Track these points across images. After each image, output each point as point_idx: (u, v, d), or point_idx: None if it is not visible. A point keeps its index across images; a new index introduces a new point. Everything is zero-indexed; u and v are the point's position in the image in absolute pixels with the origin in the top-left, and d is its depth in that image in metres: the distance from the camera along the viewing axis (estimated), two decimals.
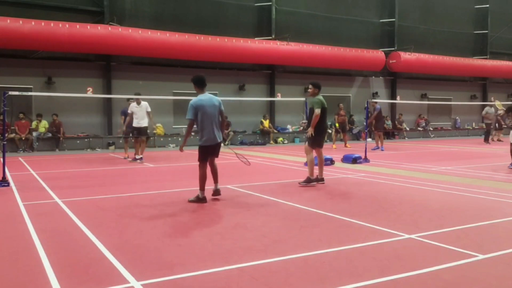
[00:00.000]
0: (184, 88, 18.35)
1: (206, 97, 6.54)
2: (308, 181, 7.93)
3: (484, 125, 20.32)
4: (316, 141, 8.07)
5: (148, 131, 12.77)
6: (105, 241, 4.47)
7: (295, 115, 21.19)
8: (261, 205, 6.31)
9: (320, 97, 8.08)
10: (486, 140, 19.00)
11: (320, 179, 8.11)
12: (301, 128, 21.09)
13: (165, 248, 4.28)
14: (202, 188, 6.50)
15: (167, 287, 3.35)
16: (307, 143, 8.17)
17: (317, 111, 7.90)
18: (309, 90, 8.32)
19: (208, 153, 6.60)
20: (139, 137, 12.10)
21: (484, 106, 21.47)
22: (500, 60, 26.48)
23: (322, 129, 8.11)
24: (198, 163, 6.62)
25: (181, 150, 6.92)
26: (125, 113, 12.73)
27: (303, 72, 21.37)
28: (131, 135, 12.47)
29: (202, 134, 6.50)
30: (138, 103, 11.92)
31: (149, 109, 12.05)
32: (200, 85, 6.60)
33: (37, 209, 6.11)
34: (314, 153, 8.17)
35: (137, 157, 12.12)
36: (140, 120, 11.94)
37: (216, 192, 6.74)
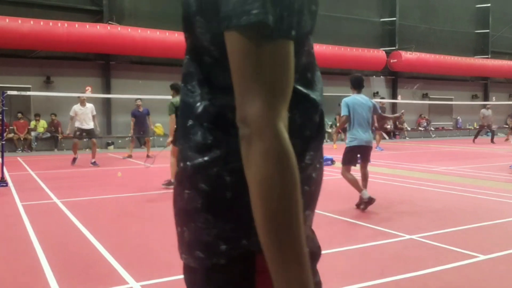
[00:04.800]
0: None
1: (360, 97, 6.22)
2: None
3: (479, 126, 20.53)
4: None
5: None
6: (104, 242, 4.44)
7: None
8: None
9: (172, 100, 7.54)
10: (484, 139, 19.50)
11: None
12: None
13: (164, 249, 4.24)
14: (360, 189, 5.99)
15: (166, 287, 3.33)
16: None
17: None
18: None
19: (353, 155, 6.15)
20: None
21: (485, 106, 21.46)
22: (502, 60, 26.46)
23: None
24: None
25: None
26: (134, 115, 13.62)
27: None
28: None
29: (350, 134, 6.15)
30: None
31: (94, 113, 12.02)
32: (355, 86, 6.27)
33: (36, 209, 6.08)
34: None
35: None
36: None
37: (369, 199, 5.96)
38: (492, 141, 19.17)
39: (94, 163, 11.49)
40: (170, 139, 8.25)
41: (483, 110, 19.59)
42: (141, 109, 13.57)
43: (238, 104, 0.80)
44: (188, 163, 0.96)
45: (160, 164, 11.79)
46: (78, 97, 12.12)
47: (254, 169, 0.77)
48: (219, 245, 0.91)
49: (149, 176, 9.63)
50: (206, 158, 0.93)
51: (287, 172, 0.76)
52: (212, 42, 0.91)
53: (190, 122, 0.97)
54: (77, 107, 11.69)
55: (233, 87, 0.82)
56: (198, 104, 0.96)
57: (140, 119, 13.48)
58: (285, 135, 0.78)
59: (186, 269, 1.00)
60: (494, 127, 19.78)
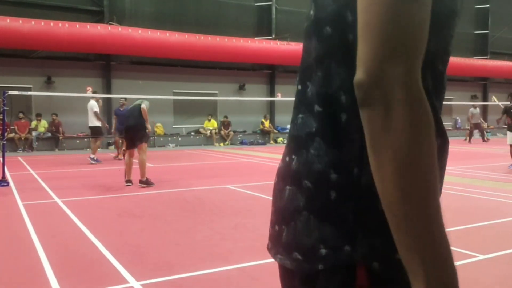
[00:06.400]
0: (184, 88, 18.41)
1: None
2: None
3: (469, 126, 20.63)
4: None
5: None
6: (105, 241, 4.46)
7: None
8: (261, 205, 6.30)
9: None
10: (478, 139, 19.99)
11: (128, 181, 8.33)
12: None
13: (165, 248, 4.26)
14: None
15: (166, 287, 3.34)
16: None
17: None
18: None
19: None
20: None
21: (484, 106, 21.56)
22: (501, 60, 26.49)
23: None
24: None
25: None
26: (116, 114, 13.64)
27: None
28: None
29: None
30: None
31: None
32: None
33: (36, 209, 6.10)
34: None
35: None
36: None
37: None
38: (484, 139, 19.76)
39: (96, 160, 12.08)
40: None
41: (471, 109, 20.12)
42: (122, 108, 13.55)
43: (369, 65, 0.67)
44: (293, 156, 0.89)
45: (160, 163, 11.81)
46: (93, 97, 12.64)
47: (394, 136, 0.66)
48: (319, 249, 0.83)
49: (149, 176, 9.64)
50: (311, 151, 0.85)
51: (430, 140, 0.68)
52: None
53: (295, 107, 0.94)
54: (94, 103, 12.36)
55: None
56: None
57: (121, 118, 13.46)
58: (427, 101, 0.68)
59: (282, 270, 0.92)
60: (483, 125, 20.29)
